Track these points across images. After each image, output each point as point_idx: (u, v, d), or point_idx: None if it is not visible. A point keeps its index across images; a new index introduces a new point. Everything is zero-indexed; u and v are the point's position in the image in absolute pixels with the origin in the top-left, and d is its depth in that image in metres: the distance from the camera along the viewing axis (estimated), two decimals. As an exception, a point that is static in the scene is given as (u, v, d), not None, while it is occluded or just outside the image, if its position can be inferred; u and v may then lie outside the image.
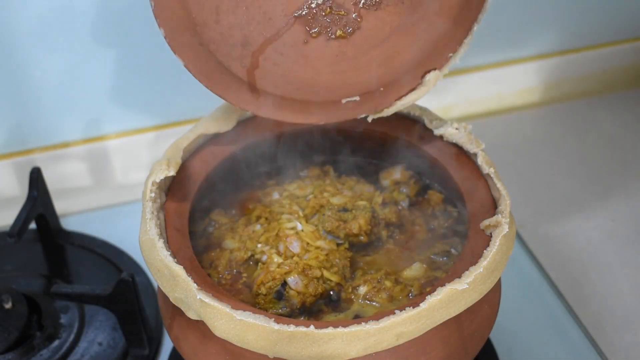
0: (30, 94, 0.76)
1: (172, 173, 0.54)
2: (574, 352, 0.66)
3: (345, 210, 0.58)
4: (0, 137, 0.78)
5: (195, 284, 0.46)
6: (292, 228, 0.57)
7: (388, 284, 0.53)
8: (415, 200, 0.61)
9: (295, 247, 0.55)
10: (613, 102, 0.99)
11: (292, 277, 0.53)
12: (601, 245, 0.76)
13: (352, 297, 0.53)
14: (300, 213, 0.58)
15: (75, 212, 0.83)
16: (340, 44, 0.56)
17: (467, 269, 0.47)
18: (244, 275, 0.55)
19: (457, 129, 0.58)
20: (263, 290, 0.53)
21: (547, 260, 0.74)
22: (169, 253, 0.49)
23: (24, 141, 0.79)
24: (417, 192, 0.62)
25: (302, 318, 0.52)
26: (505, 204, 0.51)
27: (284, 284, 0.53)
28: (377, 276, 0.54)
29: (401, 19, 0.55)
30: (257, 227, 0.58)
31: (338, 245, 0.57)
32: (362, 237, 0.57)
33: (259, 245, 0.56)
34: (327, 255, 0.55)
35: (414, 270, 0.54)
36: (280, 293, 0.53)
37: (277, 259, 0.54)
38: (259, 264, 0.55)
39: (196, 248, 0.54)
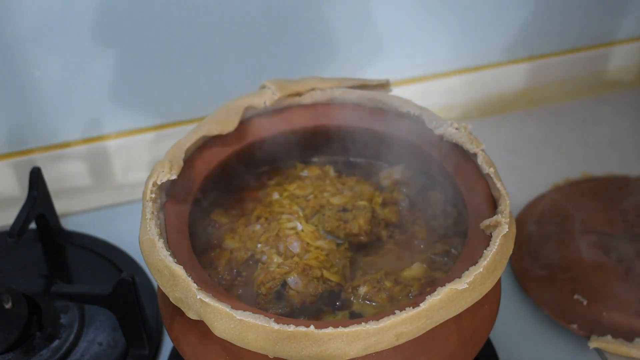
0: (30, 94, 0.76)
1: (174, 176, 0.54)
2: (574, 352, 0.66)
3: (345, 210, 0.58)
4: (0, 137, 0.78)
5: (195, 284, 0.46)
6: (292, 228, 0.57)
7: (388, 284, 0.53)
8: (415, 200, 0.61)
9: (295, 247, 0.55)
10: (613, 102, 0.99)
11: (292, 277, 0.53)
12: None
13: (352, 297, 0.53)
14: (300, 213, 0.58)
15: (75, 212, 0.83)
16: None
17: (467, 269, 0.47)
18: (244, 274, 0.55)
19: (457, 129, 0.58)
20: (263, 290, 0.53)
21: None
22: (169, 253, 0.49)
23: (24, 141, 0.79)
24: (417, 192, 0.62)
25: (302, 318, 0.52)
26: (505, 204, 0.51)
27: (284, 284, 0.53)
28: (377, 276, 0.54)
29: None
30: (257, 227, 0.58)
31: (338, 245, 0.57)
32: (362, 237, 0.57)
33: (259, 245, 0.56)
34: (327, 255, 0.55)
35: (414, 270, 0.54)
36: (280, 293, 0.53)
37: (277, 259, 0.54)
38: (259, 264, 0.55)
39: (196, 248, 0.54)
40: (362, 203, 0.59)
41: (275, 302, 0.53)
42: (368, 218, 0.57)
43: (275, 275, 0.53)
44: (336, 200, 0.60)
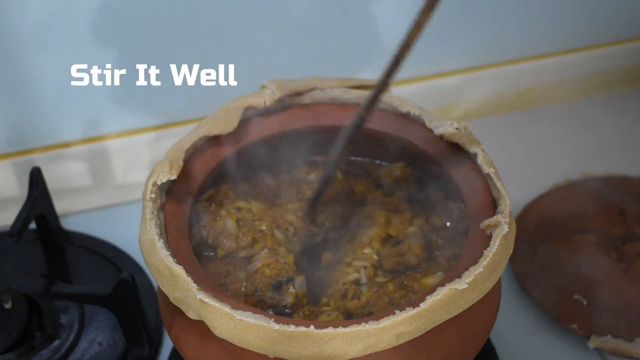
0: (30, 94, 0.76)
1: (174, 177, 0.54)
2: (574, 352, 0.66)
3: None
4: (0, 137, 0.78)
5: (195, 284, 0.46)
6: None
7: (391, 287, 0.53)
8: (416, 197, 0.61)
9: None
10: (613, 102, 0.99)
11: (300, 278, 0.53)
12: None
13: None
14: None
15: (75, 212, 0.83)
16: None
17: (467, 269, 0.47)
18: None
19: (457, 129, 0.58)
20: (267, 272, 0.53)
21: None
22: (169, 253, 0.49)
23: (24, 141, 0.79)
24: (417, 190, 0.62)
25: (301, 315, 0.52)
26: (505, 204, 0.51)
27: (290, 280, 0.53)
28: (380, 281, 0.54)
29: None
30: (263, 227, 0.58)
31: None
32: None
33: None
34: None
35: (435, 279, 0.54)
36: (281, 284, 0.53)
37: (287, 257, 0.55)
38: (266, 249, 0.55)
39: (196, 248, 0.54)
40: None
41: (271, 290, 0.52)
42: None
43: (284, 267, 0.53)
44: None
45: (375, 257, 0.55)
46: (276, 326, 0.44)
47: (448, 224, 0.59)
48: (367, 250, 0.55)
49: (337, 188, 0.62)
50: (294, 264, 0.55)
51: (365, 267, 0.54)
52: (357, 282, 0.53)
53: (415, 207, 0.60)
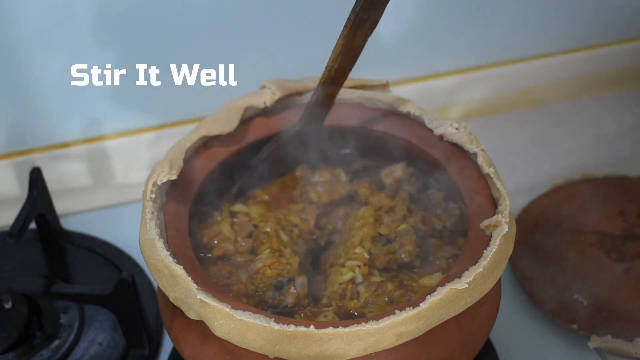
0: (30, 94, 0.76)
1: (174, 176, 0.54)
2: (574, 352, 0.66)
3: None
4: (0, 137, 0.78)
5: (195, 284, 0.46)
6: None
7: (390, 286, 0.53)
8: (417, 197, 0.61)
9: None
10: (613, 102, 0.99)
11: (301, 279, 0.53)
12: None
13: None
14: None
15: (75, 212, 0.83)
16: None
17: (467, 269, 0.47)
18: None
19: (457, 129, 0.58)
20: (268, 272, 0.53)
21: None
22: (169, 253, 0.49)
23: (24, 141, 0.79)
24: (418, 191, 0.62)
25: (302, 315, 0.52)
26: (505, 204, 0.51)
27: (292, 279, 0.53)
28: (378, 280, 0.53)
29: None
30: (268, 229, 0.58)
31: None
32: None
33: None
34: None
35: (433, 279, 0.54)
36: (282, 285, 0.53)
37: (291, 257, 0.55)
38: (269, 249, 0.55)
39: (196, 248, 0.54)
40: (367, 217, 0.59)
41: (272, 290, 0.52)
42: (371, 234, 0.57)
43: (286, 267, 0.53)
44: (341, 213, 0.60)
45: (366, 255, 0.55)
46: (276, 326, 0.44)
47: (448, 224, 0.59)
48: (358, 250, 0.55)
49: (341, 191, 0.62)
50: (300, 265, 0.55)
51: (359, 267, 0.54)
52: (352, 281, 0.53)
53: (415, 207, 0.60)
